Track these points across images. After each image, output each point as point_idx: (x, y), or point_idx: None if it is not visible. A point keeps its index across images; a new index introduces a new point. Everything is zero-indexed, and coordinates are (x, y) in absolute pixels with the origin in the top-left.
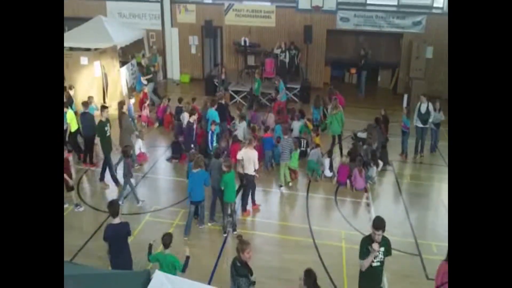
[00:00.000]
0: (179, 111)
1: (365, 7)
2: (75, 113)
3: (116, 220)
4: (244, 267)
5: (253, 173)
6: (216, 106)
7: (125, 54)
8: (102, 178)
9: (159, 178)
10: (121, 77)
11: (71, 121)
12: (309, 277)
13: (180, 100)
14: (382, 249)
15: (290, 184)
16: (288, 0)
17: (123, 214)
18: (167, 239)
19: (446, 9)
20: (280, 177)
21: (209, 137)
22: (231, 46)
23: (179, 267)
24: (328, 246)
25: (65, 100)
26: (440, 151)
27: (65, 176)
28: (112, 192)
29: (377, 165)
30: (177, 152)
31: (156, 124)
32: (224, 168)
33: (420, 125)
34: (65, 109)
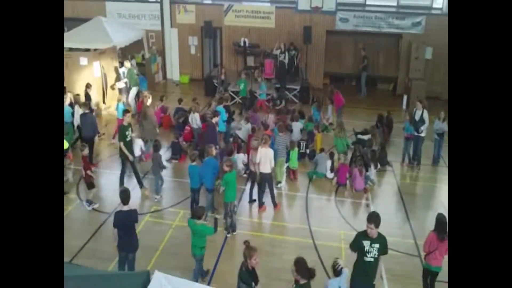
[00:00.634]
0: (179, 111)
1: (364, 8)
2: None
3: (126, 208)
4: (249, 274)
5: (269, 171)
6: (222, 105)
7: (124, 55)
8: (141, 185)
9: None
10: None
11: None
12: (299, 264)
13: (180, 101)
14: (377, 245)
15: (280, 185)
16: (288, 1)
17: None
18: (199, 211)
19: (445, 9)
20: (276, 174)
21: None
22: (230, 47)
23: (210, 231)
24: (327, 247)
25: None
26: (441, 155)
27: (89, 173)
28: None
29: (375, 166)
30: (177, 153)
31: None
32: (226, 168)
33: (415, 134)
34: (77, 109)
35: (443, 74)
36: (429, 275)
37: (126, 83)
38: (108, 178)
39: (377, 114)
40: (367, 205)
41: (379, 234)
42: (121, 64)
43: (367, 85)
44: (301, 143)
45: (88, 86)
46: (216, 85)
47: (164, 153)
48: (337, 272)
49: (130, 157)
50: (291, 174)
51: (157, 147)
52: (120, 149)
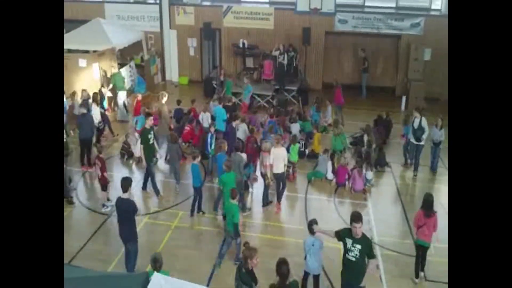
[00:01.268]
0: (178, 113)
1: (363, 9)
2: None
3: (125, 196)
4: (249, 275)
5: (283, 171)
6: (222, 105)
7: (123, 56)
8: (144, 187)
9: (158, 180)
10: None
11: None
12: (280, 269)
13: (178, 102)
14: (359, 246)
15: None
16: (287, 2)
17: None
18: (233, 192)
19: (444, 11)
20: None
21: (208, 139)
22: (229, 48)
23: (237, 218)
24: (326, 248)
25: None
26: (441, 157)
27: (105, 174)
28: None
29: (371, 169)
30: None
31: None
32: (224, 167)
33: (414, 142)
34: (95, 107)
35: (442, 75)
36: (420, 250)
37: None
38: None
39: (377, 115)
40: (366, 206)
41: (364, 236)
42: (121, 66)
43: (367, 85)
44: (300, 143)
45: (102, 85)
46: (215, 86)
47: (163, 154)
48: (311, 231)
49: (144, 163)
50: (290, 175)
51: (174, 138)
52: (145, 152)
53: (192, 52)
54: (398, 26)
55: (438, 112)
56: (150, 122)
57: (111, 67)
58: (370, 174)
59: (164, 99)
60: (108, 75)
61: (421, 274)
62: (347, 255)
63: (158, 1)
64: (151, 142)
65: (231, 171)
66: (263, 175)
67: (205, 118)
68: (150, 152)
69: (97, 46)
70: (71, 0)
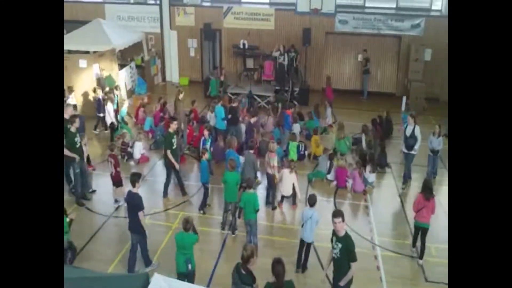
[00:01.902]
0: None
1: (363, 10)
2: None
3: (134, 190)
4: (249, 275)
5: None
6: (221, 103)
7: (124, 57)
8: (183, 193)
9: (158, 181)
10: (120, 80)
11: None
12: (274, 267)
13: None
14: (340, 245)
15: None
16: (287, 3)
17: (120, 217)
18: (250, 182)
19: (444, 11)
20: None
21: (201, 143)
22: (230, 49)
23: (258, 205)
24: (326, 249)
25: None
26: (440, 157)
27: (118, 169)
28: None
29: (374, 171)
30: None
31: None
32: (228, 167)
33: (405, 150)
34: (110, 106)
35: (443, 76)
36: (419, 232)
37: (106, 93)
38: (106, 180)
39: (377, 115)
40: (366, 207)
41: (346, 235)
42: (121, 67)
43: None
44: (300, 145)
45: (116, 87)
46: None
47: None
48: (311, 204)
49: (177, 166)
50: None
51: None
52: (165, 158)
53: (192, 53)
54: (398, 26)
55: (438, 112)
56: (174, 126)
57: (103, 70)
58: (372, 177)
59: (181, 96)
60: (103, 76)
61: (420, 262)
62: (333, 251)
63: (158, 2)
64: (174, 146)
65: (235, 171)
66: (268, 176)
67: (212, 118)
68: (174, 156)
69: (98, 46)
70: (72, 0)
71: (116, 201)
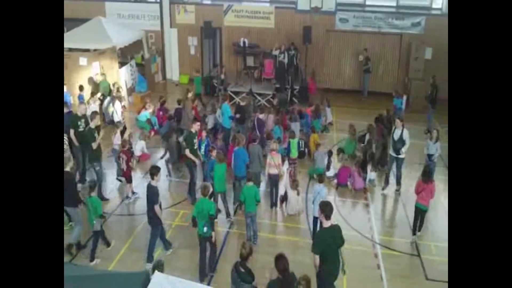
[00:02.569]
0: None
1: (364, 8)
2: None
3: (153, 182)
4: (248, 273)
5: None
6: (228, 101)
7: (124, 55)
8: (193, 200)
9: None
10: (120, 78)
11: None
12: (278, 261)
13: (179, 102)
14: None
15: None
16: (287, 1)
17: (122, 215)
18: (250, 175)
19: (445, 10)
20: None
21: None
22: (230, 47)
23: (259, 197)
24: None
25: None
26: (440, 155)
27: (130, 164)
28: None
29: (375, 170)
30: (177, 153)
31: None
32: (217, 159)
33: (393, 154)
34: (118, 104)
35: (443, 74)
36: (419, 214)
37: (100, 98)
38: (106, 178)
39: (378, 114)
40: (367, 205)
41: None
42: (122, 64)
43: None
44: (300, 142)
45: (118, 89)
46: (216, 85)
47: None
48: (320, 180)
49: (197, 162)
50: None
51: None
52: (185, 158)
53: (192, 51)
54: (399, 25)
55: (438, 111)
56: (196, 126)
57: (97, 74)
58: (373, 175)
59: (190, 95)
60: (97, 79)
61: (418, 233)
62: None
63: (158, 0)
64: (195, 146)
65: (223, 163)
66: (271, 176)
67: (212, 118)
68: (196, 155)
69: (98, 44)
70: None
71: (127, 197)
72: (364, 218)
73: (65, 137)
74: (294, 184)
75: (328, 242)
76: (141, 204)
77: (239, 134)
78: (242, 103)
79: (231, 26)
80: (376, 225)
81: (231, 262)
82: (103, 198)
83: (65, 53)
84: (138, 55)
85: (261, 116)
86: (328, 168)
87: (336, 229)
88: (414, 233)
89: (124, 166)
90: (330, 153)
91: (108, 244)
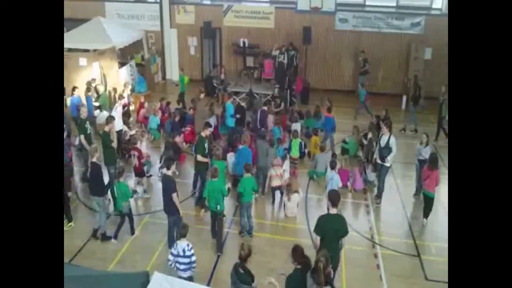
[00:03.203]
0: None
1: (364, 8)
2: None
3: (168, 172)
4: (247, 274)
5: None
6: (232, 100)
7: (124, 55)
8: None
9: (158, 179)
10: (120, 78)
11: None
12: (296, 251)
13: (179, 102)
14: None
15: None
16: (287, 1)
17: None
18: (247, 166)
19: (445, 10)
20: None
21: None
22: (230, 47)
23: (256, 187)
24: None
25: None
26: (440, 155)
27: (142, 161)
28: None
29: (375, 170)
30: (176, 153)
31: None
32: (215, 155)
33: (378, 161)
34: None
35: (443, 75)
36: (426, 200)
37: (100, 107)
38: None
39: (375, 115)
40: (367, 206)
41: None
42: (122, 65)
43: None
44: (301, 143)
45: (120, 98)
46: (216, 85)
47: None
48: (332, 166)
49: (208, 160)
50: (291, 169)
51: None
52: (197, 163)
53: (192, 51)
54: (398, 25)
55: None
56: (207, 131)
57: (98, 85)
58: (373, 176)
59: (202, 96)
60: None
61: (425, 220)
62: None
63: (158, 0)
64: (206, 152)
65: (221, 161)
66: (274, 188)
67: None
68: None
69: (98, 45)
70: None
71: (135, 192)
72: (364, 219)
73: (82, 138)
74: (288, 189)
75: (328, 227)
76: (141, 205)
77: (244, 133)
78: (242, 103)
79: (231, 26)
80: (376, 226)
81: (230, 263)
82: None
83: (64, 53)
84: (138, 55)
85: (265, 107)
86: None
87: (339, 217)
88: (424, 216)
89: (136, 162)
90: (334, 155)
91: (133, 231)
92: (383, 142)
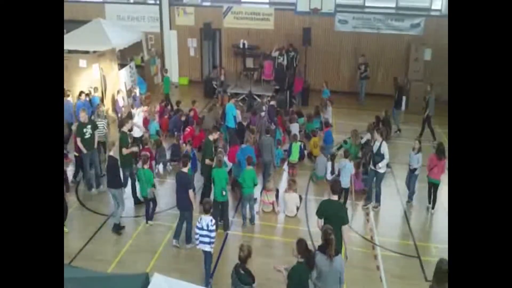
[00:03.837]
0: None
1: (363, 10)
2: None
3: (184, 169)
4: (248, 275)
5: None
6: (233, 100)
7: (124, 57)
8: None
9: (158, 181)
10: (119, 79)
11: None
12: (300, 244)
13: (178, 103)
14: None
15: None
16: (287, 3)
17: (121, 217)
18: (249, 159)
19: (444, 11)
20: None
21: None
22: (230, 49)
23: (257, 180)
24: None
25: None
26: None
27: (152, 163)
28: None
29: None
30: (176, 155)
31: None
32: (216, 162)
33: (372, 167)
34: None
35: (442, 75)
36: (431, 188)
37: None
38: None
39: (375, 116)
40: (367, 207)
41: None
42: (121, 66)
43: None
44: (301, 145)
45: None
46: (216, 87)
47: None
48: (346, 156)
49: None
50: (290, 170)
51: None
52: (203, 166)
53: (192, 53)
54: (398, 26)
55: (437, 112)
56: (215, 135)
57: (91, 91)
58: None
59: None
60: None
61: (431, 210)
62: None
63: (158, 2)
64: (213, 155)
65: (222, 168)
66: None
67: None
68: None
69: (97, 46)
70: (72, 0)
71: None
72: (364, 220)
73: (79, 141)
74: (290, 184)
75: (329, 212)
76: (141, 206)
77: (248, 134)
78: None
79: (231, 27)
80: (376, 227)
81: (230, 264)
82: (137, 201)
83: (64, 55)
84: (138, 57)
85: (272, 102)
86: (333, 172)
87: (339, 204)
88: (429, 203)
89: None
90: (333, 157)
91: (152, 216)
92: (375, 148)
